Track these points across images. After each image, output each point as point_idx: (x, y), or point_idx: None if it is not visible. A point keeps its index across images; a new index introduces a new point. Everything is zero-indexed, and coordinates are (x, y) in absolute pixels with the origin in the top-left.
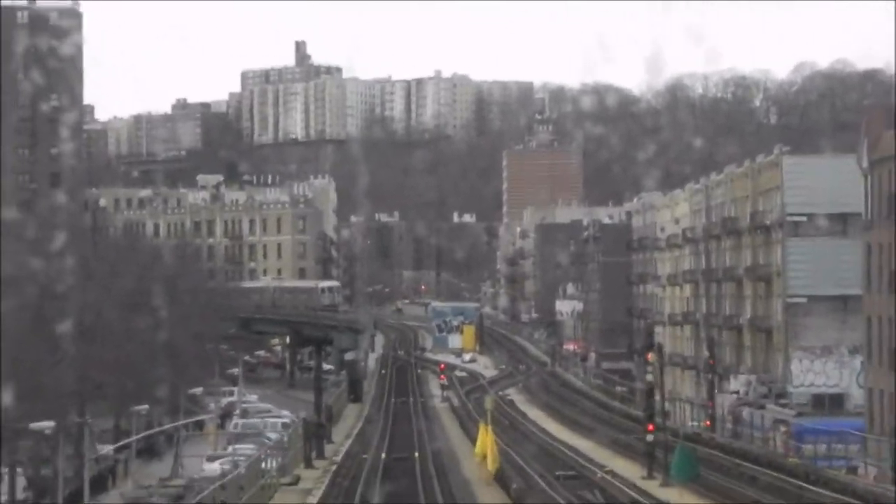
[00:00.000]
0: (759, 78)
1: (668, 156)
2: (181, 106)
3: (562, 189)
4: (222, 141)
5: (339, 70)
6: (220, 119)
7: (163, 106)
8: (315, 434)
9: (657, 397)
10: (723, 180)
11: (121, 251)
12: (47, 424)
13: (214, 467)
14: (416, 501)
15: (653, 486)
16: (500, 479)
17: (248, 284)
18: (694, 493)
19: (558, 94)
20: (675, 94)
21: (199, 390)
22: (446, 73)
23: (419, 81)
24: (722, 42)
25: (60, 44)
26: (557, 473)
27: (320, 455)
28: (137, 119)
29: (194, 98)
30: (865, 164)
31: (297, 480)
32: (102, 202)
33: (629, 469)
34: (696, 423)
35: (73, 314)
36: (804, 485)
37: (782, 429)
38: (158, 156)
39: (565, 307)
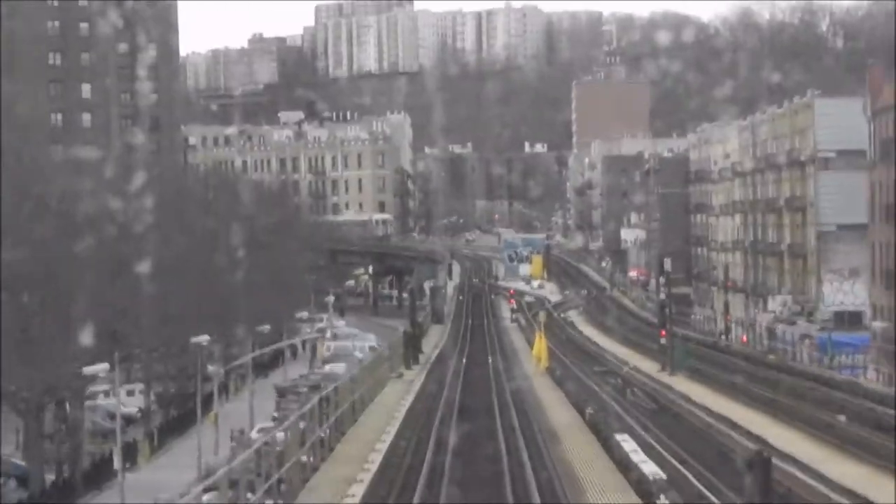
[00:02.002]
0: (826, 3)
1: (735, 83)
2: (257, 40)
3: (629, 119)
4: (298, 75)
5: (410, 2)
6: (296, 53)
7: (239, 41)
8: (412, 344)
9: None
10: (766, 119)
11: (213, 187)
12: (204, 338)
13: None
14: (488, 385)
15: (662, 375)
16: (551, 372)
17: (325, 219)
18: (689, 378)
19: (627, 23)
20: (743, 21)
21: (304, 314)
22: (516, 4)
23: (490, 12)
24: None
25: None
26: (595, 369)
27: (415, 361)
28: (215, 54)
29: (270, 33)
30: (869, 112)
31: (401, 375)
32: (192, 140)
33: (651, 366)
34: (725, 336)
35: (189, 247)
36: (777, 373)
37: (807, 342)
38: (236, 90)
39: (629, 236)
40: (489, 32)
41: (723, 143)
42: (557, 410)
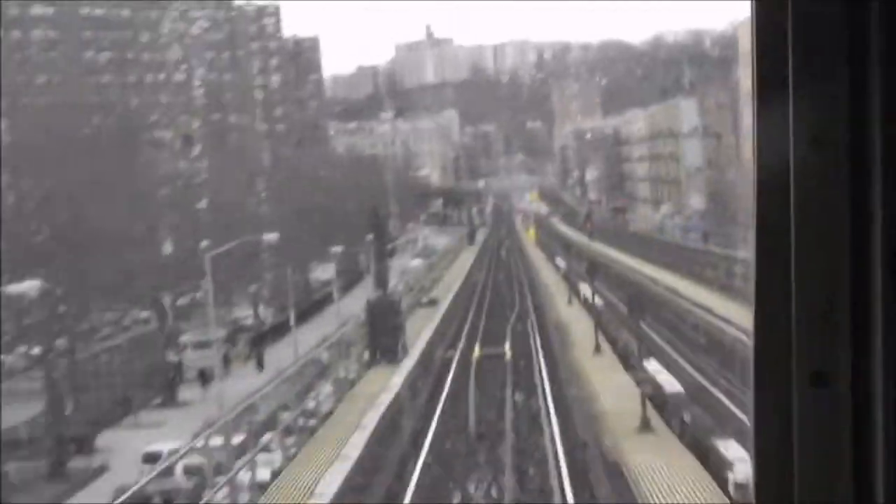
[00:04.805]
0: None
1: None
2: (360, 69)
3: (588, 108)
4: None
5: None
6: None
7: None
8: (471, 236)
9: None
10: (661, 110)
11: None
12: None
13: None
14: (506, 247)
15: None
16: (539, 243)
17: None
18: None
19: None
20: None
21: (410, 225)
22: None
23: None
24: None
25: None
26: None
27: (472, 243)
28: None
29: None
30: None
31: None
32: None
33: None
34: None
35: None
36: (642, 240)
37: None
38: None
39: (590, 176)
40: None
41: (636, 123)
42: (536, 257)
